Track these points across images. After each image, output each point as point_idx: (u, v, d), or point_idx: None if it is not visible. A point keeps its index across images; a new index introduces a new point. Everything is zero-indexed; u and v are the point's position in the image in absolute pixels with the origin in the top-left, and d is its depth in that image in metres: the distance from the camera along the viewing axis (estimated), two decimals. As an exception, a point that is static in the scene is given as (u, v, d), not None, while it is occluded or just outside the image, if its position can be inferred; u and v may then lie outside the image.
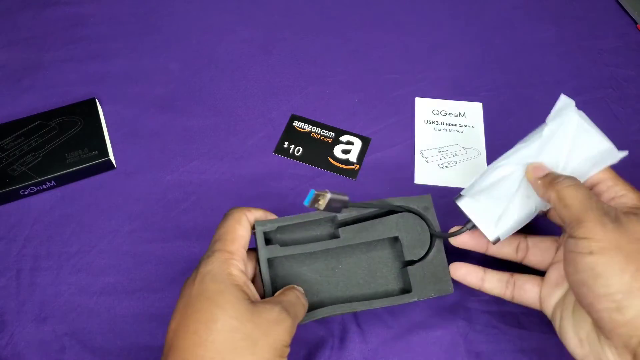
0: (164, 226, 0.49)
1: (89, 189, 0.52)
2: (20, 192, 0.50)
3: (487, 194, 0.39)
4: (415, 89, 0.60)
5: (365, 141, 0.55)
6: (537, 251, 0.41)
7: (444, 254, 0.41)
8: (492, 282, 0.41)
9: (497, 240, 0.39)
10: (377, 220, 0.41)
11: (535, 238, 0.41)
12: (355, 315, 0.44)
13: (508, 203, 0.39)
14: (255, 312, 0.32)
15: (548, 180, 0.36)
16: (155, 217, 0.50)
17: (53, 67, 0.61)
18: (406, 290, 0.40)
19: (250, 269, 0.38)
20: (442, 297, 0.45)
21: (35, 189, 0.51)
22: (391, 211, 0.42)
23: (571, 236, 0.32)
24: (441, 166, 0.53)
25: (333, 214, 0.40)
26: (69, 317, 0.44)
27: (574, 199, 0.33)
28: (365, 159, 0.54)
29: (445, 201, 0.51)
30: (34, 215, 0.50)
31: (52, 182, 0.51)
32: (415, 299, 0.39)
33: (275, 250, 0.39)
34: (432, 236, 0.41)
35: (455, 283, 0.41)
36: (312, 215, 0.40)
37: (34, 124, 0.54)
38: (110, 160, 0.53)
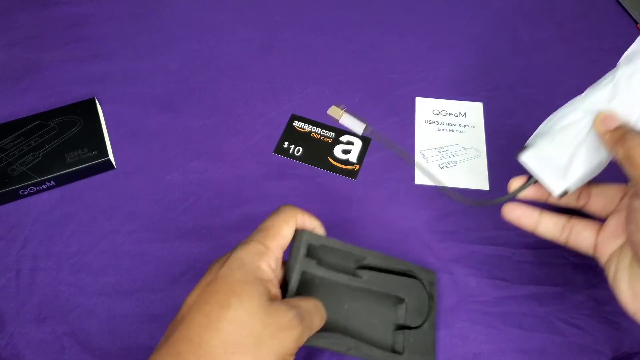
0: (164, 226, 0.49)
1: (88, 189, 0.52)
2: (20, 192, 0.50)
3: (552, 143, 0.36)
4: (415, 88, 0.60)
5: (365, 141, 0.55)
6: (601, 199, 0.38)
7: (434, 330, 0.42)
8: (547, 226, 0.39)
9: (564, 195, 0.36)
10: (395, 276, 0.41)
11: (600, 185, 0.39)
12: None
13: (575, 154, 0.35)
14: (269, 311, 0.31)
15: (617, 135, 0.33)
16: (155, 217, 0.50)
17: (53, 67, 0.61)
18: (395, 351, 0.40)
19: (279, 272, 0.36)
20: (442, 298, 0.45)
21: (35, 189, 0.51)
22: (404, 273, 0.42)
23: (637, 195, 0.31)
24: (441, 166, 0.53)
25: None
26: (68, 318, 0.44)
27: None
28: (365, 159, 0.54)
29: (445, 201, 0.51)
30: (33, 215, 0.50)
31: (52, 182, 0.51)
32: None
33: (311, 267, 0.37)
34: (430, 309, 0.42)
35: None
36: (356, 248, 0.39)
37: (33, 124, 0.54)
38: (109, 160, 0.52)
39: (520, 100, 0.59)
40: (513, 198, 0.39)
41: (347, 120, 0.36)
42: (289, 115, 0.57)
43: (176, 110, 0.58)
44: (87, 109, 0.56)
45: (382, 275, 0.40)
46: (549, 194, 0.38)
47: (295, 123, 0.57)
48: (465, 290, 0.46)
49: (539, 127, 0.38)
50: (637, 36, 0.40)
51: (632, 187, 0.35)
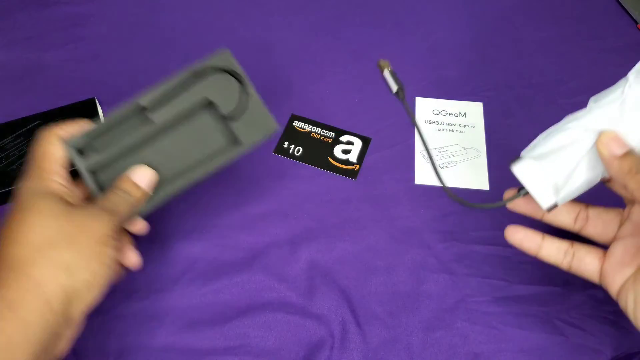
0: (164, 226, 0.49)
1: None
2: (20, 192, 0.50)
3: (548, 158, 0.35)
4: (415, 88, 0.60)
5: (365, 141, 0.55)
6: (599, 223, 0.38)
7: (257, 97, 0.41)
8: (550, 250, 0.38)
9: (553, 208, 0.36)
10: (184, 91, 0.41)
11: (597, 208, 0.39)
12: (355, 316, 0.44)
13: (571, 172, 0.35)
14: (72, 212, 0.35)
15: (628, 166, 0.33)
16: (154, 217, 0.50)
17: (53, 67, 0.61)
18: (236, 143, 0.41)
19: (72, 185, 0.38)
20: (443, 298, 0.45)
21: (35, 189, 0.51)
22: (196, 79, 0.42)
23: None
24: (441, 166, 0.53)
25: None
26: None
27: None
28: (365, 159, 0.54)
29: (445, 201, 0.51)
30: (33, 215, 0.50)
31: (52, 182, 0.51)
32: (246, 147, 0.40)
33: (93, 158, 0.39)
34: (242, 87, 0.41)
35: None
36: (117, 112, 0.40)
37: (33, 124, 0.54)
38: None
39: (520, 100, 0.59)
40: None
41: (388, 76, 0.37)
42: (289, 115, 0.57)
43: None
44: (87, 109, 0.56)
45: (173, 101, 0.41)
46: (544, 212, 0.38)
47: (295, 123, 0.57)
48: (465, 290, 0.46)
49: (537, 138, 0.38)
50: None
51: (629, 207, 0.35)
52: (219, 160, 0.40)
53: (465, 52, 0.64)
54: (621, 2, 0.68)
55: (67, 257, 0.33)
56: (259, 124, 0.41)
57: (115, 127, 0.40)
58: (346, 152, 0.54)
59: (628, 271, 0.36)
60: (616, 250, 0.37)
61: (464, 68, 0.62)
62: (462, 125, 0.57)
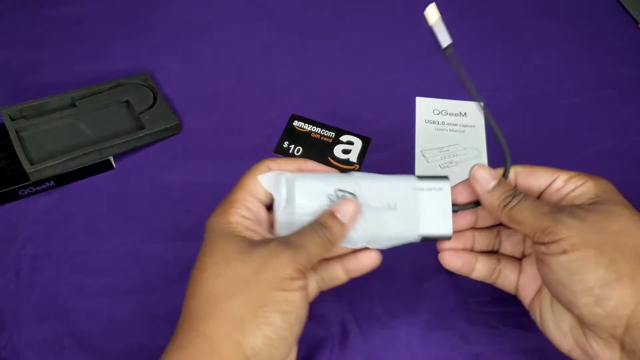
0: (164, 226, 0.49)
1: (88, 189, 0.52)
2: (19, 192, 0.50)
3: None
4: (416, 88, 0.60)
5: (366, 141, 0.55)
6: (509, 244, 0.39)
7: (167, 104, 0.56)
8: (480, 272, 0.38)
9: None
10: (109, 91, 0.56)
11: (507, 230, 0.39)
12: (355, 316, 0.44)
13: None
14: (248, 251, 0.30)
15: (497, 201, 0.35)
16: (154, 217, 0.50)
17: (53, 67, 0.61)
18: (140, 127, 0.54)
19: (264, 216, 0.35)
20: (443, 298, 0.45)
21: (34, 189, 0.51)
22: (120, 85, 0.57)
23: (539, 243, 0.32)
24: (442, 166, 0.53)
25: None
26: (68, 318, 0.44)
27: (525, 216, 0.33)
28: (365, 159, 0.54)
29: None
30: (32, 215, 0.50)
31: (51, 182, 0.51)
32: (149, 132, 0.53)
33: (23, 123, 0.53)
34: (155, 94, 0.56)
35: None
36: (48, 99, 0.54)
37: (33, 124, 0.55)
38: (109, 160, 0.52)
39: (520, 100, 0.59)
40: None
41: (438, 28, 0.37)
42: (289, 115, 0.57)
43: (176, 110, 0.58)
44: (86, 108, 0.57)
45: (95, 97, 0.55)
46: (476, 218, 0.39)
47: (295, 123, 0.57)
48: (466, 290, 0.46)
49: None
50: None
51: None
52: (127, 145, 0.53)
53: (465, 52, 0.63)
54: (621, 2, 0.68)
55: (240, 309, 0.28)
56: (165, 122, 0.54)
57: (45, 114, 0.54)
58: (346, 152, 0.54)
59: (536, 285, 0.37)
60: (526, 266, 0.38)
61: (464, 68, 0.62)
62: (463, 125, 0.57)
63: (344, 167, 0.53)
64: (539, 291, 0.36)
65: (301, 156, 0.54)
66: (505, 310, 0.44)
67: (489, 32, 0.66)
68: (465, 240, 0.38)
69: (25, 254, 0.47)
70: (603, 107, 0.59)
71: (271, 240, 0.31)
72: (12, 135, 0.51)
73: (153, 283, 0.46)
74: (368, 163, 0.54)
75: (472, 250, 0.39)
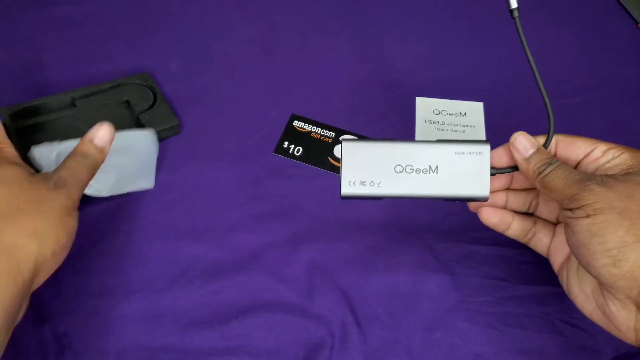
0: (164, 226, 0.49)
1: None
2: (20, 192, 0.50)
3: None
4: (416, 88, 0.60)
5: (366, 141, 0.55)
6: (544, 209, 0.41)
7: (167, 104, 0.55)
8: (516, 229, 0.41)
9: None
10: (109, 91, 0.56)
11: (545, 196, 0.41)
12: (355, 316, 0.44)
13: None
14: (36, 181, 0.35)
15: (532, 169, 0.37)
16: (154, 217, 0.50)
17: (53, 67, 0.61)
18: (140, 126, 0.54)
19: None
20: (443, 298, 0.45)
21: (35, 189, 0.51)
22: (120, 85, 0.57)
23: (566, 209, 0.34)
24: (441, 166, 0.53)
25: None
26: (68, 318, 0.44)
27: (556, 183, 0.35)
28: (365, 159, 0.54)
29: (445, 201, 0.51)
30: (33, 215, 0.50)
31: (52, 182, 0.51)
32: (147, 131, 0.50)
33: (22, 123, 0.52)
34: (155, 94, 0.56)
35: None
36: (48, 99, 0.54)
37: (33, 124, 0.55)
38: (109, 160, 0.53)
39: (520, 100, 0.59)
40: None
41: None
42: (289, 115, 0.57)
43: (176, 110, 0.58)
44: (86, 108, 0.57)
45: (100, 95, 0.55)
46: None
47: (295, 123, 0.57)
48: (466, 290, 0.46)
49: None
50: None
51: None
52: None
53: (465, 52, 0.64)
54: (621, 2, 0.68)
55: (37, 225, 0.33)
56: (164, 122, 0.54)
57: (45, 111, 0.54)
58: (346, 152, 0.54)
59: (566, 250, 0.39)
60: (559, 232, 0.40)
61: (464, 68, 0.62)
62: (463, 125, 0.57)
63: (344, 167, 0.53)
64: (568, 257, 0.38)
65: (301, 156, 0.54)
66: (505, 310, 0.44)
67: (489, 32, 0.66)
68: (497, 199, 0.41)
69: (25, 254, 0.47)
70: (603, 107, 0.59)
71: (49, 177, 0.37)
72: (12, 135, 0.51)
73: (153, 283, 0.46)
74: (368, 163, 0.54)
75: (505, 208, 0.41)
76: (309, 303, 0.45)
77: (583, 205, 0.32)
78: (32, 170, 0.38)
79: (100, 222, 0.50)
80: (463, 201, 0.40)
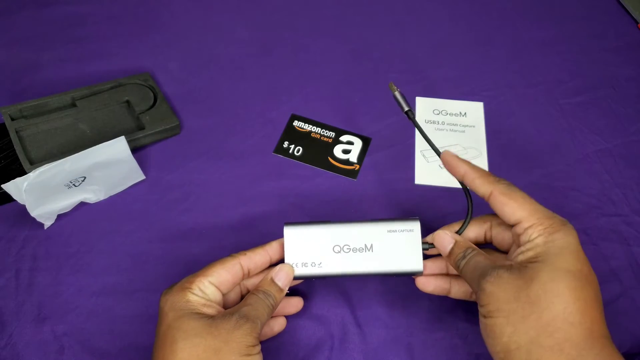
0: (164, 226, 0.49)
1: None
2: (20, 192, 0.50)
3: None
4: (416, 88, 0.60)
5: (366, 141, 0.55)
6: (461, 287, 0.42)
7: (167, 105, 0.56)
8: (457, 293, 0.42)
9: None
10: (109, 91, 0.56)
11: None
12: (355, 316, 0.44)
13: None
14: (213, 325, 0.35)
15: (454, 263, 0.39)
16: (154, 217, 0.50)
17: (53, 67, 0.61)
18: (140, 128, 0.54)
19: (217, 294, 0.39)
20: (443, 300, 0.45)
21: (35, 189, 0.51)
22: (120, 85, 0.57)
23: (482, 313, 0.35)
24: (442, 166, 0.53)
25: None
26: (68, 318, 0.44)
27: (466, 277, 0.37)
28: (365, 159, 0.54)
29: (445, 201, 0.51)
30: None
31: (52, 182, 0.51)
32: (149, 132, 0.53)
33: (22, 123, 0.52)
34: (155, 94, 0.56)
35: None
36: (48, 99, 0.54)
37: (33, 124, 0.55)
38: (109, 160, 0.53)
39: (520, 100, 0.59)
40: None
41: (399, 97, 0.45)
42: (289, 115, 0.57)
43: (176, 110, 0.58)
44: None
45: (99, 95, 0.56)
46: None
47: (295, 123, 0.57)
48: (466, 290, 0.45)
49: None
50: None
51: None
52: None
53: (465, 52, 0.64)
54: (621, 2, 0.68)
55: None
56: (164, 121, 0.54)
57: (46, 113, 0.54)
58: (346, 152, 0.54)
59: None
60: None
61: (464, 68, 0.62)
62: (463, 125, 0.57)
63: (344, 167, 0.53)
64: None
65: (301, 156, 0.54)
66: (505, 310, 0.44)
67: (489, 32, 0.66)
68: (440, 265, 0.42)
69: (25, 253, 0.47)
70: (603, 107, 0.59)
71: (230, 314, 0.36)
72: (12, 135, 0.51)
73: (153, 283, 0.46)
74: (368, 163, 0.54)
75: (447, 274, 0.42)
76: (309, 303, 0.45)
77: (481, 305, 0.35)
78: (211, 312, 0.37)
79: (100, 222, 0.50)
80: (401, 276, 0.41)
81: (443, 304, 0.45)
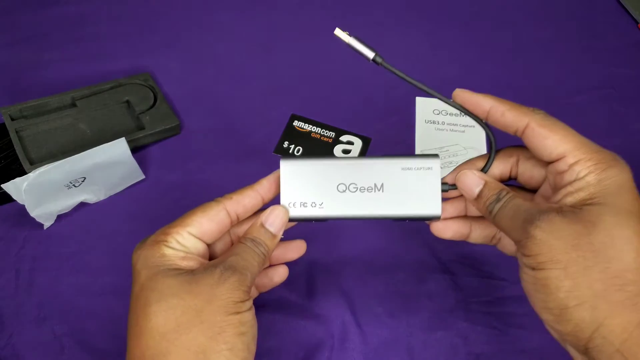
0: (163, 226, 0.49)
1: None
2: (20, 192, 0.50)
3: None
4: (416, 88, 0.60)
5: (366, 141, 0.55)
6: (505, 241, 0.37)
7: (167, 105, 0.56)
8: (477, 239, 0.37)
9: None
10: (109, 91, 0.57)
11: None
12: (355, 316, 0.44)
13: None
14: (193, 281, 0.30)
15: (484, 214, 0.33)
16: (154, 217, 0.50)
17: (53, 66, 0.61)
18: (140, 128, 0.54)
19: (198, 244, 0.34)
20: (443, 298, 0.45)
21: (35, 189, 0.51)
22: (120, 85, 0.57)
23: (518, 249, 0.31)
24: (442, 166, 0.53)
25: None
26: (68, 318, 0.44)
27: (504, 224, 0.32)
28: (365, 159, 0.54)
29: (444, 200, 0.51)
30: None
31: (52, 182, 0.51)
32: (149, 132, 0.53)
33: (23, 122, 0.53)
34: (155, 94, 0.57)
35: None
36: (49, 99, 0.54)
37: (33, 124, 0.55)
38: (109, 160, 0.53)
39: (520, 100, 0.59)
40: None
41: (356, 43, 0.38)
42: (289, 115, 0.57)
43: (176, 110, 0.58)
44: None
45: (99, 96, 0.56)
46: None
47: (295, 123, 0.57)
48: (466, 290, 0.46)
49: None
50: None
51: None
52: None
53: (465, 52, 0.64)
54: (621, 2, 0.68)
55: (200, 339, 0.29)
56: (164, 121, 0.55)
57: (45, 113, 0.54)
58: (346, 152, 0.54)
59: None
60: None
61: (464, 68, 0.62)
62: (463, 125, 0.57)
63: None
64: None
65: (301, 156, 0.54)
66: (505, 311, 0.44)
67: (489, 32, 0.66)
68: (458, 207, 0.37)
69: (25, 253, 0.47)
70: (603, 107, 0.59)
71: (214, 267, 0.31)
72: (12, 135, 0.51)
73: (153, 283, 0.46)
74: (368, 163, 0.54)
75: (466, 216, 0.37)
76: (309, 303, 0.45)
77: (528, 256, 0.29)
78: (192, 265, 0.32)
79: (100, 222, 0.50)
80: (415, 221, 0.36)
81: (443, 304, 0.45)
